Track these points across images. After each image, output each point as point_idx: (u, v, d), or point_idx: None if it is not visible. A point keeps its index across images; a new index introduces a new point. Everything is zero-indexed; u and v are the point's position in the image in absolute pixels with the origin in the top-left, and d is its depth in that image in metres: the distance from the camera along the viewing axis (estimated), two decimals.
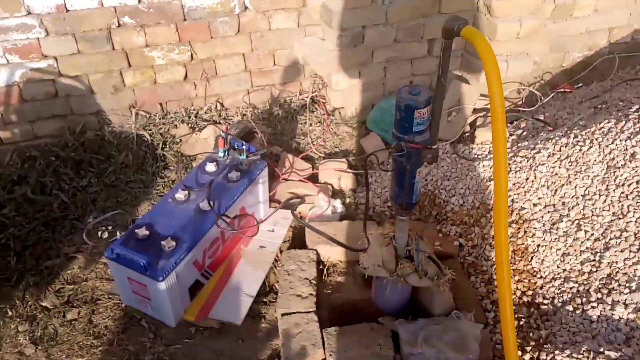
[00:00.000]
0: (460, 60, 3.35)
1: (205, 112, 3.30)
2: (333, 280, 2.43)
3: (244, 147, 2.37)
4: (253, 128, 3.08)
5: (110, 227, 2.61)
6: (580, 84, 3.45)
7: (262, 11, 3.07)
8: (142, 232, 2.02)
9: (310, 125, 3.32)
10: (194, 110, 3.28)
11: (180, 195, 2.19)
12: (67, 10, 2.71)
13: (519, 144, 2.74)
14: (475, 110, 3.03)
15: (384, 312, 2.22)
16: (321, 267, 2.45)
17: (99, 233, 2.56)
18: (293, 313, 2.17)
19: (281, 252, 2.53)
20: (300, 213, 2.71)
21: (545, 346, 1.92)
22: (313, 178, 2.95)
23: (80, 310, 2.30)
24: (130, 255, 1.93)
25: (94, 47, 2.86)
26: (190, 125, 3.19)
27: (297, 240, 2.63)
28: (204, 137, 3.08)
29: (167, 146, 3.09)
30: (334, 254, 2.47)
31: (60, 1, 2.67)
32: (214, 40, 3.08)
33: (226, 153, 2.40)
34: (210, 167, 2.34)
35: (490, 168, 2.70)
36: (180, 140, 3.12)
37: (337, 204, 2.74)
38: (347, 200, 2.86)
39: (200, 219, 2.13)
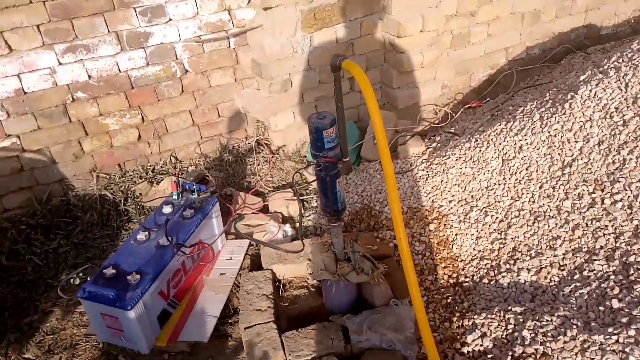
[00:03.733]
0: (380, 92, 3.83)
1: (161, 167, 3.64)
2: (290, 294, 2.73)
3: (194, 187, 2.71)
4: (206, 174, 3.42)
5: (81, 275, 2.86)
6: (487, 99, 3.98)
7: (201, 72, 3.49)
8: (110, 271, 2.30)
9: (258, 165, 3.70)
10: (150, 166, 3.62)
11: (141, 236, 2.49)
12: (25, 93, 3.06)
13: (434, 154, 3.18)
14: (396, 132, 3.48)
15: (334, 312, 2.53)
16: (278, 284, 2.75)
17: (72, 280, 2.80)
18: (254, 325, 2.45)
19: (240, 276, 2.83)
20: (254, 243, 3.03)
21: (467, 314, 2.26)
22: (264, 209, 3.29)
23: (61, 356, 2.51)
24: (100, 292, 2.20)
25: (53, 122, 3.20)
26: (148, 179, 3.51)
27: (254, 266, 2.93)
28: (162, 189, 3.40)
29: (129, 201, 3.39)
30: (287, 272, 2.79)
31: (18, 85, 3.02)
32: (161, 102, 3.46)
33: (179, 195, 2.73)
34: (167, 209, 2.66)
35: (413, 177, 3.11)
36: (140, 194, 3.43)
37: (287, 228, 3.07)
38: (296, 224, 3.21)
39: (161, 254, 2.42)
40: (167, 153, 3.68)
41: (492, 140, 2.87)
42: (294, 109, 3.58)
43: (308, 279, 2.67)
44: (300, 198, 3.30)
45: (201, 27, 3.33)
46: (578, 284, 2.08)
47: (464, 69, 4.03)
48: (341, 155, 2.12)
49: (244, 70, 3.60)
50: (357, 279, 2.39)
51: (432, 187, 2.93)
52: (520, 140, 2.73)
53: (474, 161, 2.86)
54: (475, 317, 2.19)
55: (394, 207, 1.80)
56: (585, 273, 2.09)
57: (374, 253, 2.77)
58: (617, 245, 2.06)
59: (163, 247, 2.45)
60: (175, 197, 2.73)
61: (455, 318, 2.28)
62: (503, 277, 2.33)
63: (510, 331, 2.03)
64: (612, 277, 1.98)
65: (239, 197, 3.33)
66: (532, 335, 1.94)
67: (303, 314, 2.63)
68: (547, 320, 1.97)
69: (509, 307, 2.14)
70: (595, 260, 2.09)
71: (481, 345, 2.08)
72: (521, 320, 2.04)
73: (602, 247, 2.12)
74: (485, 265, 2.45)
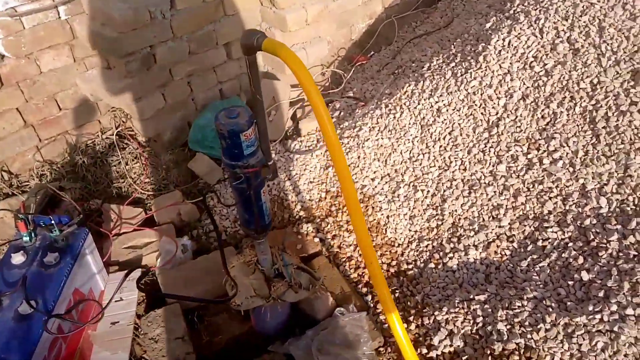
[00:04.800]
0: (262, 57, 3.30)
1: None
2: (208, 323, 2.23)
3: (52, 221, 1.98)
4: (53, 189, 2.61)
5: None
6: (372, 52, 3.68)
7: (25, 55, 2.58)
8: None
9: (126, 163, 2.97)
10: None
11: None
12: None
13: (341, 126, 2.82)
14: (292, 104, 3.02)
15: (269, 336, 2.11)
16: (190, 316, 2.22)
17: None
18: None
19: (139, 317, 2.23)
20: (147, 267, 2.42)
21: (424, 310, 2.02)
22: (150, 222, 2.64)
23: None
24: None
25: None
26: None
27: (151, 297, 2.34)
28: None
29: None
30: (198, 295, 2.26)
31: None
32: None
33: (32, 235, 1.97)
34: (18, 259, 1.91)
35: (324, 156, 2.72)
36: None
37: (185, 241, 2.50)
38: (195, 232, 2.64)
39: (25, 327, 1.72)
40: None
41: (404, 104, 2.59)
42: (163, 89, 2.88)
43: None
44: (198, 201, 2.72)
45: None
46: (535, 256, 1.94)
47: (343, 21, 3.65)
48: (264, 159, 1.63)
49: (84, 46, 2.76)
50: (297, 297, 1.99)
51: (349, 165, 2.58)
52: (436, 102, 2.49)
53: (389, 130, 2.56)
54: (436, 313, 1.95)
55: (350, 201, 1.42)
56: (539, 243, 1.96)
57: (300, 254, 2.37)
58: (567, 208, 1.95)
59: (27, 317, 1.74)
60: (26, 239, 1.97)
61: (412, 317, 2.03)
62: (450, 258, 2.12)
63: (480, 324, 1.83)
64: (571, 244, 1.86)
65: (111, 211, 2.63)
66: (508, 327, 1.76)
67: (231, 345, 2.17)
68: (518, 307, 1.80)
69: (470, 296, 1.94)
70: (547, 227, 1.96)
71: (451, 345, 1.85)
72: (489, 310, 1.85)
73: (550, 212, 2.00)
74: (427, 247, 2.22)
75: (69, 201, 2.38)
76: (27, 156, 2.85)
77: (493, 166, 2.21)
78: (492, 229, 2.09)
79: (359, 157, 2.58)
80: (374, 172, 2.50)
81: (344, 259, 2.36)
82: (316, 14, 3.11)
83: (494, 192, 2.16)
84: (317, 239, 2.44)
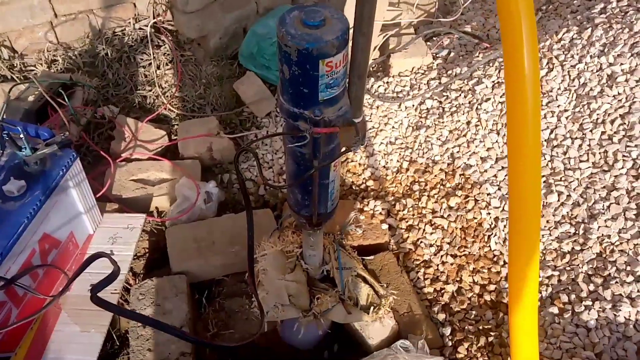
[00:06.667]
0: None
1: None
2: (220, 307, 1.63)
3: (24, 132, 1.35)
4: (69, 80, 1.99)
5: None
6: None
7: None
8: None
9: (158, 67, 2.30)
10: None
11: None
12: None
13: (449, 72, 2.01)
14: (384, 27, 2.20)
15: (298, 350, 1.51)
16: (197, 295, 1.63)
17: None
18: None
19: (135, 275, 1.67)
20: (158, 215, 1.82)
21: None
22: (170, 153, 2.01)
23: None
24: None
25: None
26: None
27: (157, 251, 1.76)
28: None
29: None
30: (213, 270, 1.66)
31: None
32: None
33: None
34: None
35: (415, 109, 1.96)
36: None
37: (211, 187, 1.86)
38: (226, 176, 2.00)
39: None
40: None
41: (556, 58, 1.75)
42: None
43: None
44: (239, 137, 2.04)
45: None
46: None
47: None
48: (351, 112, 0.91)
49: None
50: (348, 319, 1.34)
51: (451, 132, 1.82)
52: (610, 63, 1.64)
53: None
54: None
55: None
56: None
57: (360, 243, 1.69)
58: None
59: None
60: None
61: None
62: (586, 308, 1.40)
63: None
64: None
65: (126, 127, 2.00)
66: None
67: (242, 348, 1.57)
68: None
69: None
70: None
71: None
72: None
73: None
74: (550, 279, 1.49)
75: (67, 110, 1.75)
76: (38, 33, 2.22)
77: None
78: None
79: (468, 123, 1.80)
80: (487, 150, 1.73)
81: (418, 263, 1.67)
82: None
83: None
84: (385, 225, 1.74)
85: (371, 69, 2.25)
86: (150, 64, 2.30)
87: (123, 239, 1.68)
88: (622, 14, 1.74)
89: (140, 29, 2.36)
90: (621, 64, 1.63)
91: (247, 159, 2.06)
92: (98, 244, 1.68)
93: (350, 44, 0.84)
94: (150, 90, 2.24)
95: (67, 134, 1.47)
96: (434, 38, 2.32)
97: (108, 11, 2.32)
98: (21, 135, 1.34)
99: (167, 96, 2.23)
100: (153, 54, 2.30)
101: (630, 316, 1.35)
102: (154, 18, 2.35)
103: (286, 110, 0.88)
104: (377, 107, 2.03)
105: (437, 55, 2.15)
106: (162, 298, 1.56)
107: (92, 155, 1.96)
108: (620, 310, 1.36)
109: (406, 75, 2.10)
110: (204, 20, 2.22)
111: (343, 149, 0.96)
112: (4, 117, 1.45)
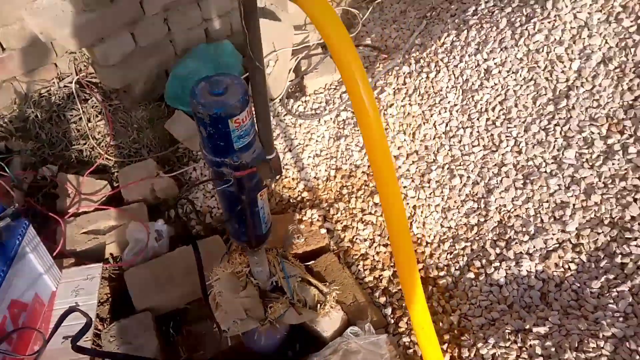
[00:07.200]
0: None
1: None
2: (187, 332, 1.80)
3: None
4: (4, 149, 2.08)
5: None
6: None
7: None
8: None
9: (89, 120, 2.41)
10: None
11: None
12: None
13: None
14: (295, 52, 2.43)
15: (263, 355, 1.70)
16: (164, 327, 1.78)
17: None
18: None
19: (102, 320, 1.79)
20: (114, 261, 1.95)
21: (462, 338, 1.59)
22: (116, 199, 2.14)
23: None
24: None
25: None
26: None
27: (119, 294, 1.89)
28: None
29: None
30: (176, 301, 1.81)
31: None
32: None
33: None
34: None
35: (334, 123, 2.19)
36: None
37: (160, 225, 2.01)
38: (172, 212, 2.15)
39: None
40: None
41: (441, 60, 2.03)
42: (132, 27, 2.27)
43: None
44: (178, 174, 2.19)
45: None
46: (611, 276, 1.49)
47: None
48: (264, 153, 1.11)
49: None
50: (300, 319, 1.54)
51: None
52: (484, 59, 1.93)
53: (420, 94, 2.01)
54: (479, 345, 1.52)
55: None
56: (617, 259, 1.50)
57: (304, 250, 1.90)
58: None
59: None
60: None
61: (446, 345, 1.60)
62: (495, 268, 1.67)
63: None
64: None
65: (68, 184, 2.11)
66: None
67: None
68: (592, 348, 1.37)
69: (526, 326, 1.50)
70: (630, 238, 1.50)
71: None
72: (552, 349, 1.41)
73: (634, 219, 1.53)
74: (464, 250, 1.76)
75: (8, 178, 1.85)
76: None
77: (558, 151, 1.71)
78: (554, 235, 1.63)
79: None
80: (398, 148, 1.99)
81: (356, 257, 1.90)
82: None
83: (559, 185, 1.67)
84: (323, 230, 1.96)
85: (290, 90, 2.46)
86: (80, 118, 2.40)
87: (85, 289, 1.80)
88: (490, 14, 2.05)
89: (65, 86, 2.45)
90: (494, 58, 1.92)
91: (195, 189, 2.21)
92: (62, 299, 1.79)
93: (252, 100, 1.04)
94: (85, 144, 2.35)
95: (17, 205, 1.58)
96: None
97: (31, 75, 2.40)
98: None
99: (103, 146, 2.35)
100: (82, 108, 2.40)
101: (531, 269, 1.63)
102: (76, 75, 2.45)
103: (210, 160, 1.07)
104: (300, 125, 2.25)
105: None
106: (132, 336, 1.70)
107: (40, 217, 2.05)
108: (522, 265, 1.64)
109: (321, 93, 2.33)
110: (126, 71, 2.35)
111: (264, 183, 1.16)
112: None
